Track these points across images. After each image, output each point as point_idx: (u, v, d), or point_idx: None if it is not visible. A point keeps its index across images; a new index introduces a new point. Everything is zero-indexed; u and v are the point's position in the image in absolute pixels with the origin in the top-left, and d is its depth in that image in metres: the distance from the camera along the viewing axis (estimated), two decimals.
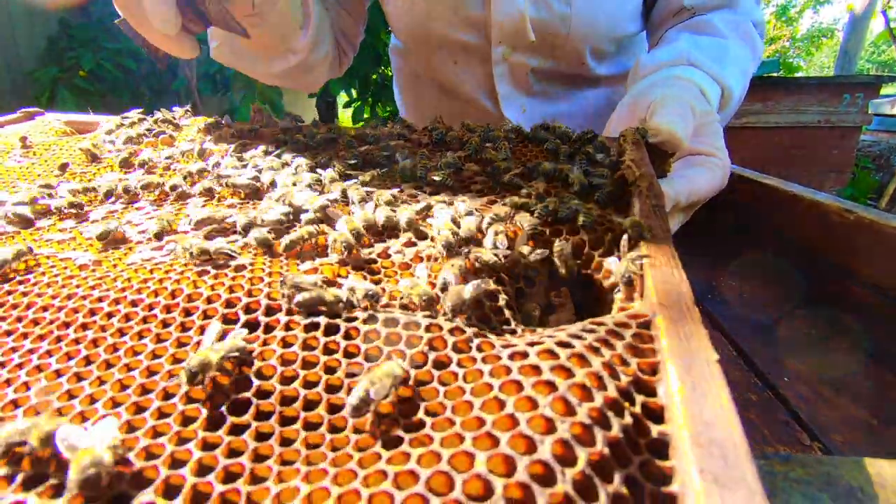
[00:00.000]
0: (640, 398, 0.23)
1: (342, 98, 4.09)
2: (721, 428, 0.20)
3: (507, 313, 0.33)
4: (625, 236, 0.35)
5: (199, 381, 0.23)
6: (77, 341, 0.27)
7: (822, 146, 3.10)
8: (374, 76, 3.83)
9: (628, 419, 0.22)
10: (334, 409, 0.24)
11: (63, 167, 0.55)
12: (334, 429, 0.23)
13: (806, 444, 0.50)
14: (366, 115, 3.93)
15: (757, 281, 0.85)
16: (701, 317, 0.27)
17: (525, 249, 0.36)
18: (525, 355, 0.25)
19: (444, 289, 0.31)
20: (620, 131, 0.56)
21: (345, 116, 5.75)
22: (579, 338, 0.27)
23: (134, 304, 0.30)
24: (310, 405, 0.24)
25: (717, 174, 0.63)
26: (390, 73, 1.37)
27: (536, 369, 0.24)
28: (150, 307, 0.29)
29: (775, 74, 3.61)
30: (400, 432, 0.22)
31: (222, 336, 0.27)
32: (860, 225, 0.67)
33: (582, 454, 0.19)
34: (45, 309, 0.30)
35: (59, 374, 0.26)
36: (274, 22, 0.69)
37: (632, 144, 0.53)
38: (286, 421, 0.23)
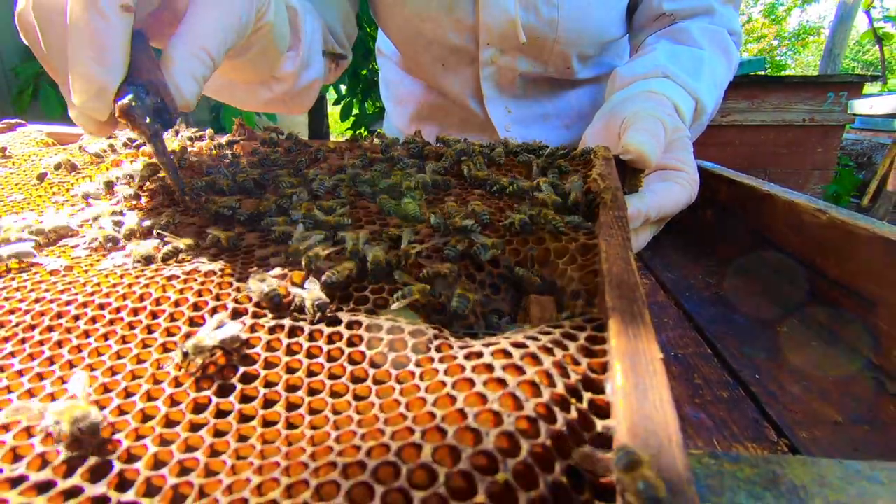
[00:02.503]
0: (588, 395, 0.24)
1: (331, 94, 4.07)
2: (658, 421, 0.21)
3: (471, 318, 0.34)
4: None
5: (191, 361, 0.25)
6: (41, 343, 0.28)
7: (807, 144, 3.19)
8: (364, 72, 3.83)
9: (574, 414, 0.23)
10: (292, 406, 0.24)
11: (41, 177, 0.55)
12: (291, 426, 0.23)
13: (773, 441, 0.52)
14: (355, 112, 3.93)
15: (734, 279, 0.88)
16: (650, 318, 0.29)
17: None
18: (480, 355, 0.26)
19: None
20: (591, 147, 0.59)
21: (333, 114, 5.74)
22: (535, 339, 0.28)
23: (101, 307, 0.30)
24: (269, 403, 0.24)
25: (686, 189, 0.65)
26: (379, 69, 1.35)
27: (489, 368, 0.25)
28: (118, 310, 0.30)
29: (761, 73, 3.72)
30: (354, 427, 0.22)
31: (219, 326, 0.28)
32: (833, 225, 0.69)
33: (525, 445, 0.20)
34: (11, 312, 0.30)
35: (20, 374, 0.26)
36: (258, 50, 0.59)
37: (602, 159, 0.55)
38: (244, 418, 0.24)
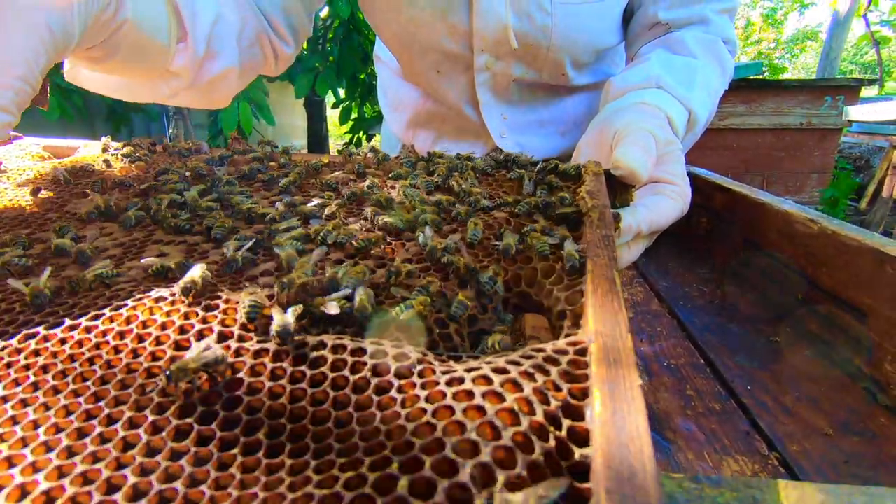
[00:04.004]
0: (567, 422, 0.25)
1: (330, 98, 4.07)
2: (633, 450, 0.22)
3: (456, 339, 0.34)
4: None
5: (175, 384, 0.25)
6: (27, 367, 0.28)
7: (804, 148, 3.22)
8: (363, 76, 3.85)
9: (552, 443, 0.23)
10: (274, 433, 0.24)
11: (35, 191, 0.56)
12: (272, 453, 0.23)
13: (764, 454, 0.52)
14: (353, 116, 3.96)
15: (728, 288, 0.88)
16: (632, 343, 0.29)
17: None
18: (461, 381, 0.26)
19: None
20: (582, 163, 0.59)
21: (333, 117, 5.77)
22: (517, 364, 0.28)
23: (88, 330, 0.30)
24: (251, 429, 0.25)
25: (677, 203, 0.65)
26: None
27: (470, 395, 0.25)
28: (104, 333, 0.30)
29: (759, 77, 3.75)
30: (333, 456, 0.23)
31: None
32: (823, 235, 0.70)
33: (500, 477, 0.20)
34: None
35: (5, 399, 0.26)
36: (129, 49, 0.55)
37: (592, 175, 0.55)
38: (225, 445, 0.24)
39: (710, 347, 0.72)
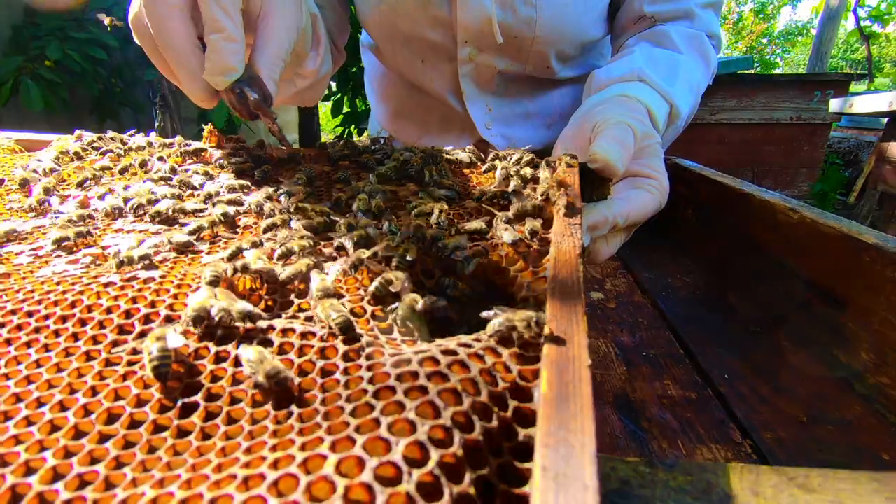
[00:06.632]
0: (514, 403, 0.24)
1: None
2: (573, 430, 0.21)
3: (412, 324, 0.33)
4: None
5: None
6: None
7: (794, 142, 3.24)
8: (354, 69, 3.82)
9: (494, 423, 0.22)
10: (210, 416, 0.24)
11: None
12: (205, 436, 0.23)
13: (737, 443, 0.52)
14: (345, 109, 3.93)
15: (710, 279, 0.88)
16: (586, 327, 0.28)
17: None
18: (408, 362, 0.25)
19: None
20: (559, 155, 0.58)
21: (324, 110, 5.75)
22: (467, 346, 0.27)
23: (29, 314, 0.30)
24: (187, 412, 0.24)
25: (655, 196, 0.65)
26: None
27: (414, 375, 0.24)
28: (46, 318, 0.29)
29: (751, 71, 3.76)
30: (266, 437, 0.22)
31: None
32: (803, 224, 0.70)
33: (434, 456, 0.20)
34: None
35: None
36: (293, 55, 0.68)
37: (566, 167, 0.54)
38: (158, 429, 0.23)
39: (691, 337, 0.71)
